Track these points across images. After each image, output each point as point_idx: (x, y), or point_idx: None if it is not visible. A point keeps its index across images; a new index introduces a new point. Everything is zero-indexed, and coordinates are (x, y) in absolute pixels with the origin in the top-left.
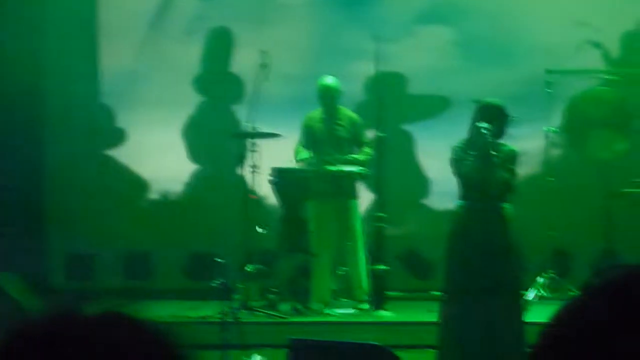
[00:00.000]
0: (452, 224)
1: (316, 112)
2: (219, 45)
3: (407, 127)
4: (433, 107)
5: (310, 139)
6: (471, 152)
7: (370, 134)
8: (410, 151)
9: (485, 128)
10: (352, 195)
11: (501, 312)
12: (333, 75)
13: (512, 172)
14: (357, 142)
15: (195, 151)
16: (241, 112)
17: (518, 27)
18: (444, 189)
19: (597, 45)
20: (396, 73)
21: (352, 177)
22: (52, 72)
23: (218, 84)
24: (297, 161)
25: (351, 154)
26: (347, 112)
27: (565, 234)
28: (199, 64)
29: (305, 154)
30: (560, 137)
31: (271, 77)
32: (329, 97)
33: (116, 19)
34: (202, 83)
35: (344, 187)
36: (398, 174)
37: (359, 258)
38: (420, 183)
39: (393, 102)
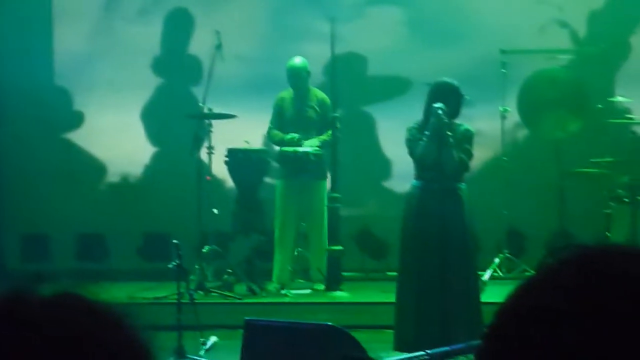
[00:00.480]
0: (407, 204)
1: (287, 93)
2: (178, 26)
3: (366, 109)
4: (390, 88)
5: (280, 119)
6: (426, 133)
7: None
8: (369, 132)
9: (440, 108)
10: (319, 175)
11: (457, 292)
12: (290, 55)
13: (467, 151)
14: (325, 123)
15: (153, 133)
16: (199, 94)
17: (472, 7)
18: (402, 170)
19: (563, 24)
20: (352, 54)
21: (318, 157)
22: (7, 54)
23: (176, 66)
24: (273, 142)
25: (320, 135)
26: (318, 93)
27: (520, 214)
28: (157, 45)
29: (289, 135)
30: (515, 118)
31: (226, 58)
32: (297, 78)
33: (70, 1)
34: (160, 65)
35: (310, 168)
36: (356, 155)
37: (320, 239)
38: (379, 164)
39: (350, 83)
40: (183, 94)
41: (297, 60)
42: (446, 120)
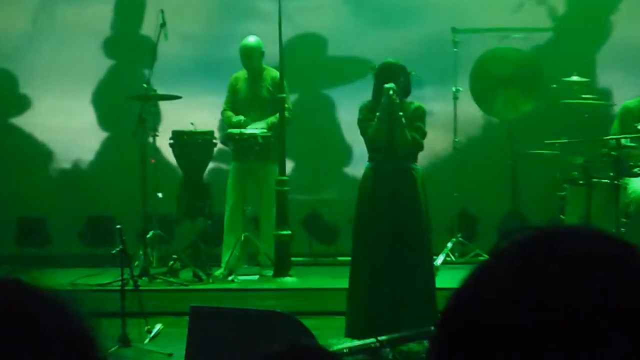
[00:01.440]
0: (361, 186)
1: (242, 73)
2: (126, 6)
3: (325, 91)
4: (342, 70)
5: (234, 100)
6: (377, 114)
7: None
8: (327, 115)
9: (391, 89)
10: (268, 158)
11: (411, 277)
12: (237, 35)
13: (420, 129)
14: (277, 103)
15: (100, 116)
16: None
17: None
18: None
19: (540, 1)
20: (308, 34)
21: (266, 139)
22: None
23: (126, 47)
24: (226, 124)
25: (272, 115)
26: (272, 72)
27: (473, 196)
28: (107, 26)
29: (235, 118)
30: (468, 98)
31: (172, 37)
32: (250, 58)
33: None
34: (109, 46)
35: (258, 151)
36: (312, 139)
37: (269, 224)
38: (337, 148)
39: (306, 64)
40: (132, 76)
41: (251, 40)
42: (397, 101)
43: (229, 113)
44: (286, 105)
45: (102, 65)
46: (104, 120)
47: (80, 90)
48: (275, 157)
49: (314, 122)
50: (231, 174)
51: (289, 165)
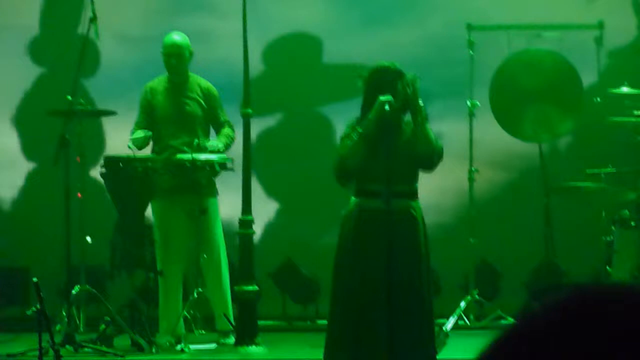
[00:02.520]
0: (341, 229)
1: (159, 82)
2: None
3: (318, 108)
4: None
5: (150, 116)
6: (359, 130)
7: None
8: (304, 137)
9: (387, 102)
10: (209, 192)
11: (408, 347)
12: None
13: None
14: (213, 120)
15: (25, 139)
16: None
17: None
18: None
19: None
20: (285, 36)
21: (207, 168)
22: None
23: (59, 51)
24: (130, 145)
25: (205, 136)
26: (199, 80)
27: (493, 243)
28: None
29: (139, 132)
30: (487, 115)
31: (104, 37)
32: (178, 58)
33: None
34: (38, 49)
35: (198, 182)
36: (278, 165)
37: (221, 275)
38: (317, 177)
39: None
40: (64, 87)
41: (176, 37)
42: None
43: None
44: (227, 130)
45: (26, 72)
46: (28, 144)
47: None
48: (215, 188)
49: (291, 145)
50: (159, 213)
51: (256, 202)
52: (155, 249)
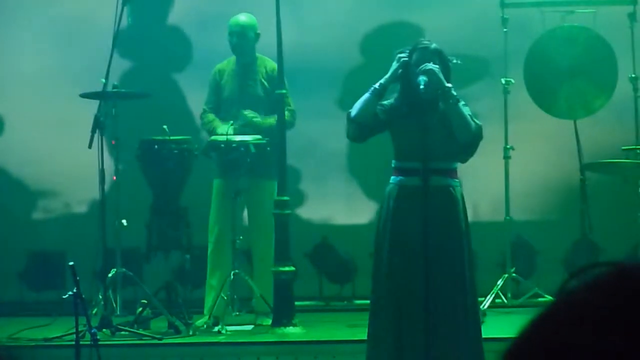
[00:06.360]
0: (382, 209)
1: (226, 64)
2: None
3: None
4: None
5: (218, 98)
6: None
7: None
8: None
9: (430, 70)
10: (267, 174)
11: (449, 327)
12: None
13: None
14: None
15: (50, 122)
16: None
17: None
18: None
19: None
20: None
21: (242, 149)
22: None
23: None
24: (205, 130)
25: (267, 118)
26: (267, 61)
27: (530, 220)
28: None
29: (221, 126)
30: (522, 92)
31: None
32: (241, 39)
33: None
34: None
35: (256, 163)
36: (320, 147)
37: (266, 258)
38: (351, 158)
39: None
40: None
41: (242, 17)
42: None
43: (211, 116)
44: (287, 107)
45: (53, 55)
46: (53, 127)
47: (24, 91)
48: (273, 171)
49: (321, 124)
50: (215, 193)
51: (292, 183)
52: (209, 229)
